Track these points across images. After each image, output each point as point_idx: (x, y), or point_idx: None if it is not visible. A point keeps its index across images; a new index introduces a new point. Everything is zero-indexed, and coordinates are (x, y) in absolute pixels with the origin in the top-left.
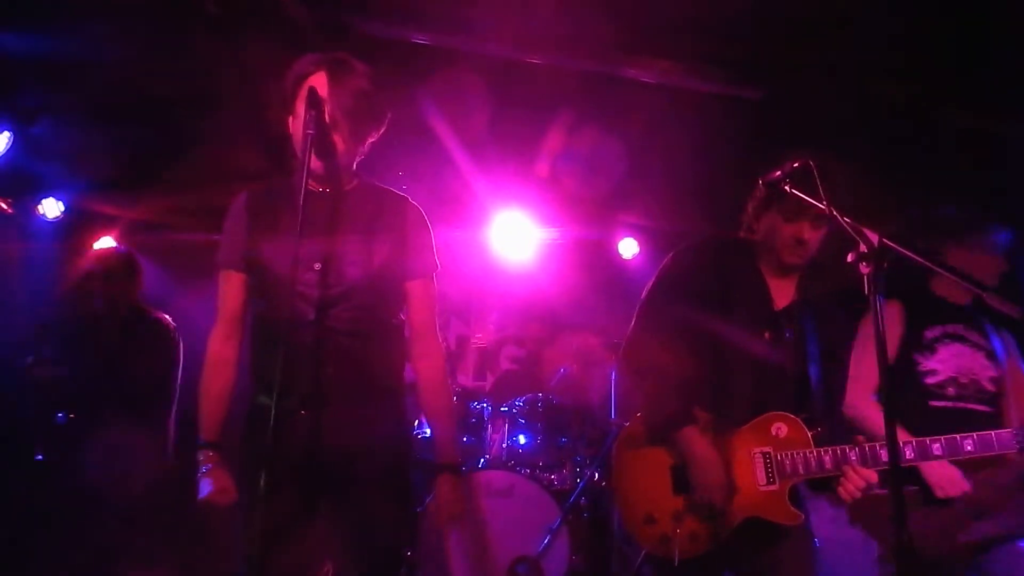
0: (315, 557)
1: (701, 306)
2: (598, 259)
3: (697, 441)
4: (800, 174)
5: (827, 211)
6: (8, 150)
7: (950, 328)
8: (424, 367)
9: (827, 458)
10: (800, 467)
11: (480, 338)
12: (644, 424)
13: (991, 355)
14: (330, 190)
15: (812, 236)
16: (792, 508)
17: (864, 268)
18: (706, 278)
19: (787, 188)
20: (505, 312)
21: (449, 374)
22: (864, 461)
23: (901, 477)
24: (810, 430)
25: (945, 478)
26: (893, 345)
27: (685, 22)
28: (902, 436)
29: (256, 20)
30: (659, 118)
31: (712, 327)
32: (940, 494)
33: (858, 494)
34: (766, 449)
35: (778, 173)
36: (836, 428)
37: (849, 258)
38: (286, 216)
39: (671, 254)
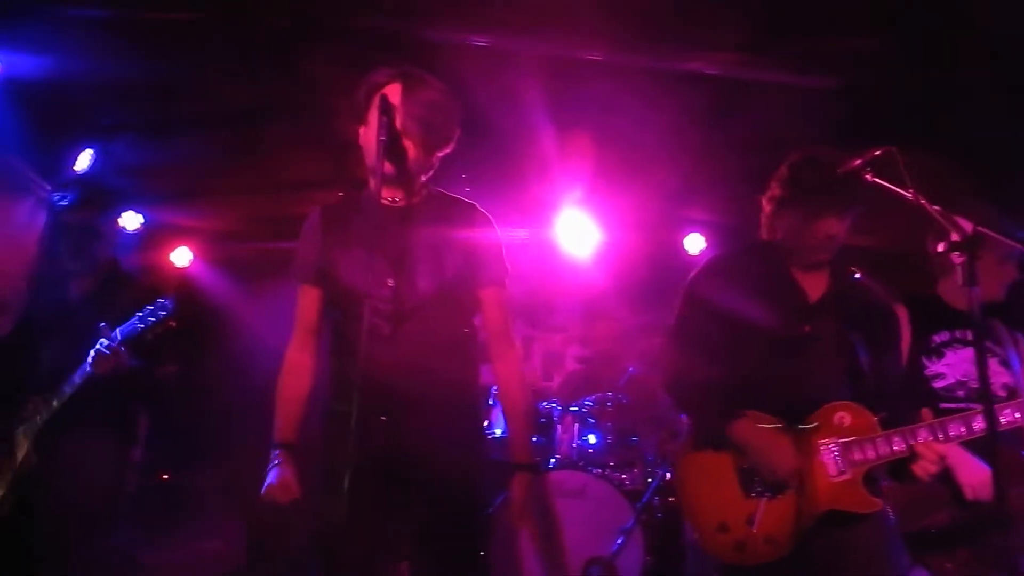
0: (391, 558)
1: (731, 314)
2: (663, 256)
3: (750, 428)
4: (882, 162)
5: (914, 199)
6: (91, 166)
7: (958, 333)
8: (501, 370)
9: (896, 439)
10: (871, 452)
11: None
12: (697, 436)
13: (1004, 362)
14: (401, 202)
15: (840, 229)
16: (869, 495)
17: (957, 258)
18: (730, 286)
19: (869, 177)
20: (569, 312)
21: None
22: (935, 437)
23: (996, 444)
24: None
25: (978, 480)
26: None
27: (751, 11)
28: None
29: (319, 31)
30: (726, 110)
31: (746, 333)
32: (971, 495)
33: (934, 469)
34: (832, 439)
35: (858, 162)
36: (897, 410)
37: (940, 247)
38: (358, 230)
39: (696, 271)
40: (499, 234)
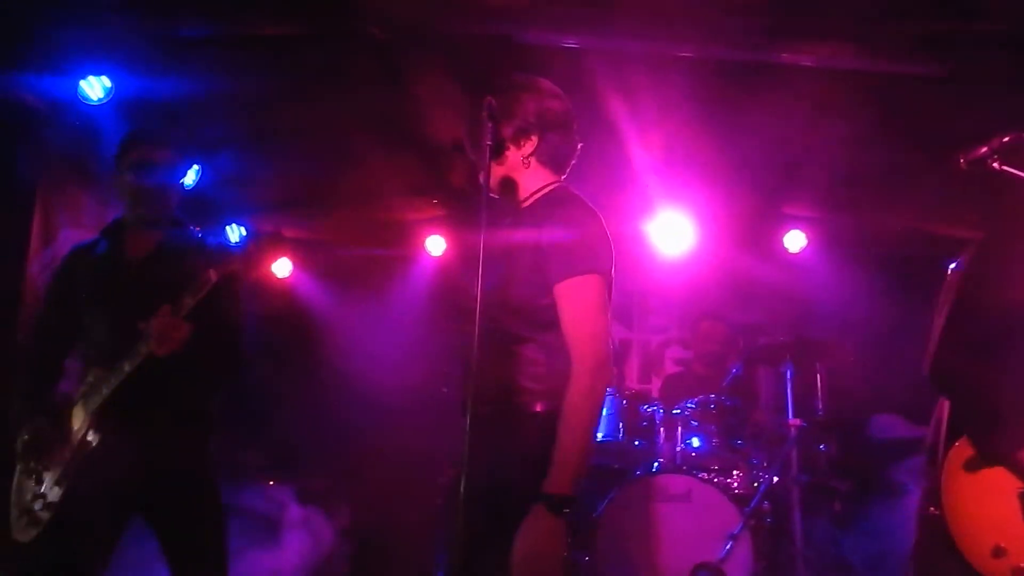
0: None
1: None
2: (762, 254)
3: None
4: (1010, 149)
5: None
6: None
7: None
8: (571, 377)
9: None
10: None
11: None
12: (975, 447)
13: None
14: (506, 206)
15: None
16: None
17: None
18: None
19: (996, 165)
20: (667, 313)
21: (596, 383)
22: None
23: None
24: None
25: None
26: None
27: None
28: None
29: (417, 40)
30: (826, 103)
31: None
32: None
33: None
34: None
35: (984, 149)
36: None
37: None
38: (469, 236)
39: (969, 250)
40: (581, 225)
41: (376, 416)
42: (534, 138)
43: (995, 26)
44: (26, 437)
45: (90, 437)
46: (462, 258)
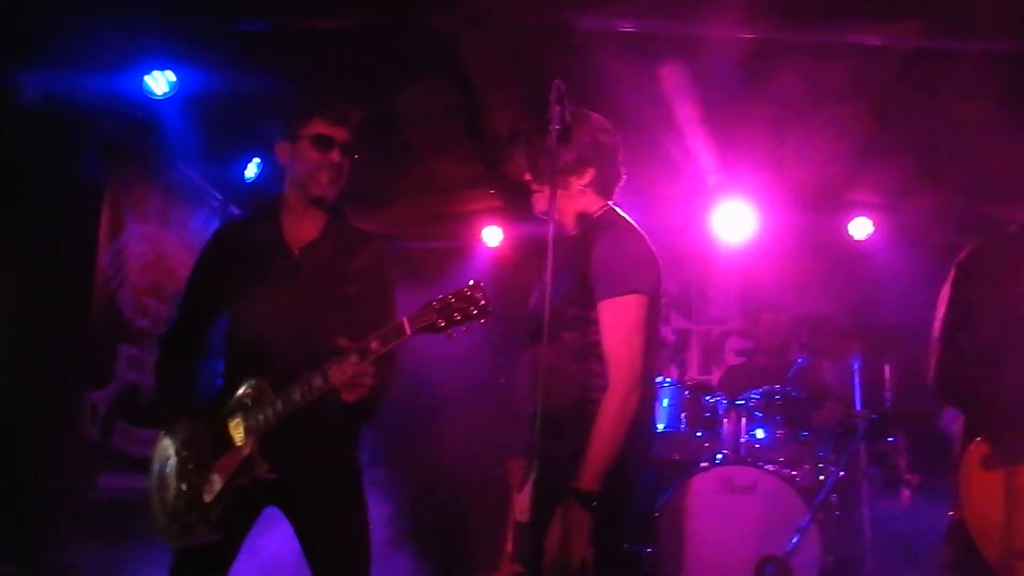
0: None
1: (1009, 311)
2: (827, 242)
3: None
4: None
5: None
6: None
7: None
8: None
9: None
10: None
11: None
12: (991, 448)
13: None
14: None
15: None
16: None
17: None
18: (1006, 277)
19: None
20: (727, 303)
21: (629, 397)
22: None
23: None
24: None
25: None
26: None
27: None
28: None
29: (475, 28)
30: (893, 84)
31: None
32: None
33: None
34: None
35: None
36: None
37: None
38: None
39: (962, 253)
40: (622, 245)
41: (433, 406)
42: (592, 169)
43: None
44: (180, 437)
45: (255, 463)
46: (525, 277)
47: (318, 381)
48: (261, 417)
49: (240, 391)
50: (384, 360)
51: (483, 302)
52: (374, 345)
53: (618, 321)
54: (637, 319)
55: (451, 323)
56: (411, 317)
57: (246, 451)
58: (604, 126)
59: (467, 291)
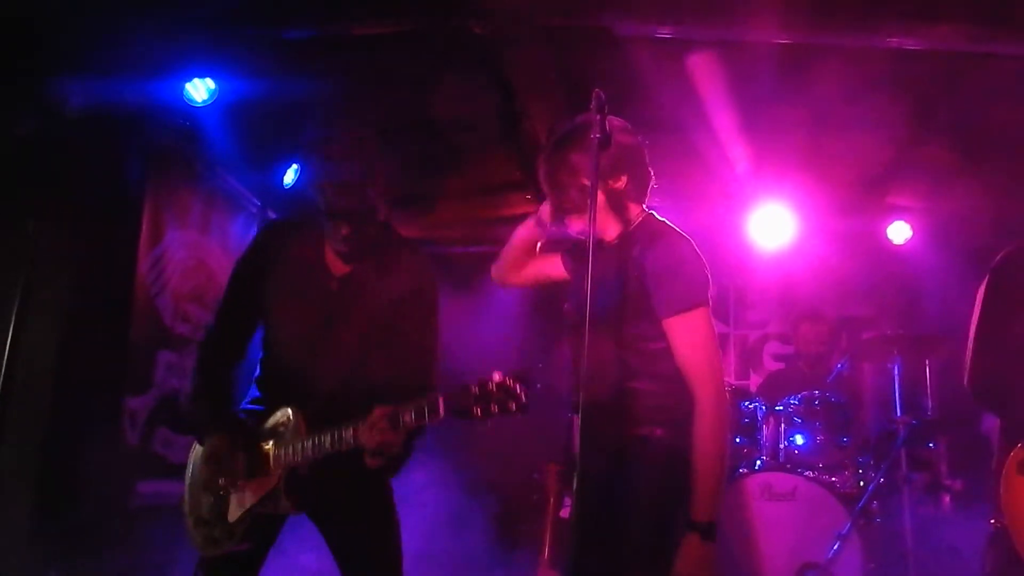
0: None
1: None
2: (866, 246)
3: None
4: None
5: None
6: (296, 180)
7: None
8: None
9: None
10: None
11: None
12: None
13: None
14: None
15: None
16: None
17: None
18: None
19: None
20: (765, 308)
21: (721, 411)
22: None
23: None
24: None
25: None
26: None
27: None
28: None
29: (515, 35)
30: (933, 88)
31: None
32: None
33: None
34: None
35: None
36: None
37: None
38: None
39: (997, 258)
40: (682, 257)
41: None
42: (625, 175)
43: None
44: (213, 449)
45: (281, 496)
46: (567, 290)
47: (348, 437)
48: (291, 450)
49: (276, 418)
50: (413, 431)
51: (524, 399)
52: (407, 418)
53: (692, 338)
54: (707, 331)
55: (487, 415)
56: (447, 397)
57: (274, 482)
58: (625, 127)
59: (510, 382)
